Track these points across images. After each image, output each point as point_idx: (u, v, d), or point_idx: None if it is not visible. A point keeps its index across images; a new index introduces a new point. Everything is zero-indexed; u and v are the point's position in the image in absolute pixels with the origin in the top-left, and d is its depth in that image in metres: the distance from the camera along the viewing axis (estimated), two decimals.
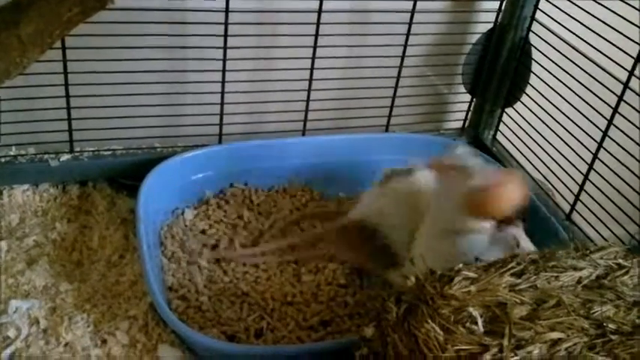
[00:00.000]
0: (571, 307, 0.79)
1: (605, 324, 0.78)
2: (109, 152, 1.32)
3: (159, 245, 1.21)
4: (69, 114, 1.22)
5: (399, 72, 1.43)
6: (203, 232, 1.26)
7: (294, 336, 1.07)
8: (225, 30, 1.23)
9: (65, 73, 1.17)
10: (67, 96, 1.20)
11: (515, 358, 0.72)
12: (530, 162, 1.44)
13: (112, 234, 1.23)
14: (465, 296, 0.79)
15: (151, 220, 1.18)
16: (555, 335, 0.75)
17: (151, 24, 1.19)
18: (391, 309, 0.82)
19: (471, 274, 0.83)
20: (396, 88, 1.45)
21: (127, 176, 1.31)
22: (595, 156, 1.24)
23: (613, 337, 0.76)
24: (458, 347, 0.73)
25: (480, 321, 0.76)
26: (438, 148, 1.45)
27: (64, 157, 1.28)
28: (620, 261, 0.90)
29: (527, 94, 1.45)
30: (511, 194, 1.02)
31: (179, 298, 1.10)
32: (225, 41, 1.24)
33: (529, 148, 1.43)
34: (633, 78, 1.15)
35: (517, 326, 0.75)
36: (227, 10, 1.21)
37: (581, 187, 1.28)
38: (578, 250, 0.92)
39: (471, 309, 0.77)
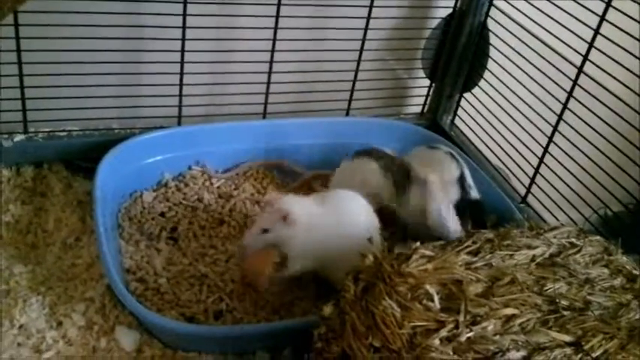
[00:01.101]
0: (525, 284, 0.82)
1: (557, 300, 0.80)
2: (65, 133, 1.29)
3: (116, 227, 1.19)
4: (22, 93, 1.19)
5: (360, 56, 1.43)
6: (162, 214, 1.24)
7: (253, 317, 1.07)
8: (185, 9, 1.21)
9: (18, 50, 1.14)
10: (21, 75, 1.17)
11: (471, 333, 0.73)
12: (487, 146, 1.46)
13: (68, 216, 1.20)
14: (422, 274, 0.81)
15: (108, 203, 1.16)
16: (509, 311, 0.77)
17: (108, 1, 1.17)
18: (349, 287, 0.83)
19: (428, 253, 0.85)
20: (356, 72, 1.46)
21: (84, 158, 1.29)
22: (550, 140, 1.27)
23: (565, 312, 0.79)
24: (414, 323, 0.75)
25: (436, 298, 0.77)
26: (398, 132, 1.47)
27: (18, 138, 1.25)
28: (573, 240, 0.93)
29: (485, 79, 1.47)
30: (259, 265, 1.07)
31: (137, 281, 1.09)
32: (184, 21, 1.22)
33: (486, 132, 1.45)
34: (587, 62, 1.17)
35: (472, 303, 0.77)
36: None
37: (537, 170, 1.30)
38: (533, 230, 0.94)
39: (427, 286, 0.78)
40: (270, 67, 1.36)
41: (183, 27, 1.23)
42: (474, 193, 1.23)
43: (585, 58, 1.17)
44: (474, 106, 1.51)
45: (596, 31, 1.15)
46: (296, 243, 1.06)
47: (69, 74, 1.21)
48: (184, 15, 1.21)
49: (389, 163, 1.23)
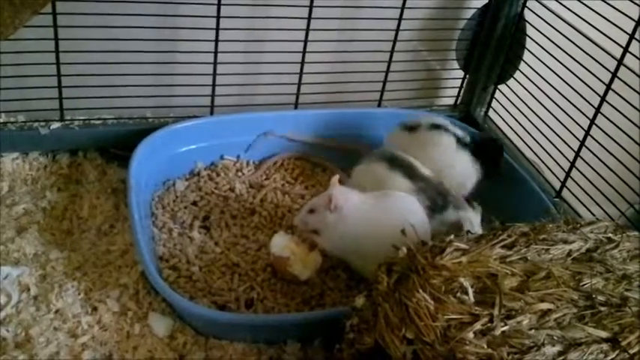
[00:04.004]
0: (561, 279, 0.80)
1: (594, 296, 0.79)
2: (100, 121, 1.31)
3: (150, 215, 1.20)
4: (59, 81, 1.21)
5: (393, 46, 1.42)
6: (194, 203, 1.26)
7: (284, 307, 1.07)
8: None
9: (56, 39, 1.16)
10: (58, 63, 1.18)
11: (505, 327, 0.72)
12: (522, 139, 1.44)
13: (103, 203, 1.22)
14: (456, 267, 0.80)
15: (142, 191, 1.17)
16: (545, 306, 0.76)
17: None
18: (382, 279, 0.82)
19: (462, 246, 0.84)
20: (389, 62, 1.44)
21: (118, 146, 1.30)
22: (587, 133, 1.24)
23: (602, 308, 0.77)
24: (448, 316, 0.74)
25: (470, 291, 0.76)
26: None
27: (55, 126, 1.26)
28: (610, 235, 0.91)
29: (521, 71, 1.45)
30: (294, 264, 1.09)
31: (170, 268, 1.10)
32: (219, 10, 1.22)
33: (521, 125, 1.43)
34: (628, 54, 1.15)
35: (507, 297, 0.76)
36: None
37: (572, 164, 1.28)
38: (569, 224, 0.93)
39: (461, 279, 0.77)
40: (303, 58, 1.36)
41: (217, 17, 1.23)
42: None
43: (626, 49, 1.15)
44: (508, 98, 1.49)
45: (638, 22, 1.12)
46: (332, 230, 1.07)
47: (104, 63, 1.22)
48: (218, 4, 1.22)
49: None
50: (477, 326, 0.73)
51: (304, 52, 1.35)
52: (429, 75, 1.57)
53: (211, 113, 1.36)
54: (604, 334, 0.73)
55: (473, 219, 1.14)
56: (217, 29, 1.25)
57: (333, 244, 1.10)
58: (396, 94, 1.51)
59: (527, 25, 1.42)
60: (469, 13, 1.48)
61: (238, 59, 1.33)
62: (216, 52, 1.28)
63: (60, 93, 1.23)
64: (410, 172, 1.16)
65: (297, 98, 1.42)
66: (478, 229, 1.12)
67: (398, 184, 1.14)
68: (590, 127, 1.24)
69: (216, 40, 1.26)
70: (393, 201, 1.10)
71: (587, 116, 1.25)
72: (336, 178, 1.10)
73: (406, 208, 1.08)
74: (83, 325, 0.98)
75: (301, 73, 1.38)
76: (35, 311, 0.98)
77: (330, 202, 1.06)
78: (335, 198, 1.06)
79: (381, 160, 1.19)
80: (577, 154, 1.27)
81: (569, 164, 1.29)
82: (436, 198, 1.13)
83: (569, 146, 1.30)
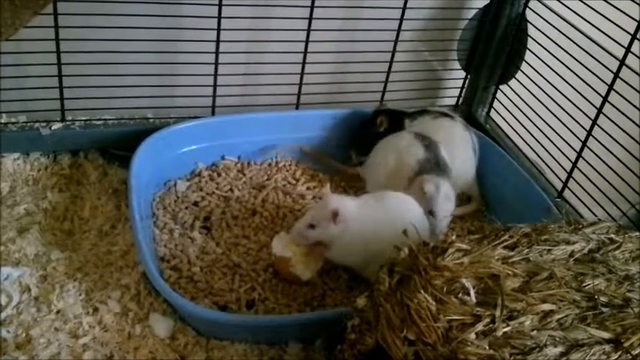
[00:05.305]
0: (563, 279, 0.80)
1: (596, 297, 0.78)
2: (101, 122, 1.31)
3: (151, 216, 1.20)
4: (60, 82, 1.21)
5: (394, 47, 1.42)
6: (195, 203, 1.25)
7: (285, 307, 1.07)
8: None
9: (57, 40, 1.16)
10: (59, 64, 1.19)
11: (507, 328, 0.72)
12: (523, 139, 1.44)
13: (104, 204, 1.22)
14: (458, 268, 0.80)
15: (143, 191, 1.17)
16: (547, 307, 0.76)
17: None
18: (384, 279, 0.82)
19: (464, 246, 0.84)
20: (390, 63, 1.44)
21: (119, 146, 1.30)
22: (589, 133, 1.24)
23: (604, 309, 0.77)
24: (450, 317, 0.73)
25: (472, 292, 0.76)
26: None
27: (56, 126, 1.26)
28: (612, 236, 0.91)
29: (522, 71, 1.45)
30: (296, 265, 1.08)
31: (171, 269, 1.10)
32: (220, 11, 1.22)
33: (522, 126, 1.43)
34: (629, 55, 1.15)
35: (509, 297, 0.76)
36: None
37: (574, 164, 1.28)
38: (571, 225, 0.92)
39: (463, 280, 0.77)
40: (304, 58, 1.36)
41: (219, 17, 1.23)
42: None
43: (628, 50, 1.15)
44: (510, 99, 1.48)
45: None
46: (339, 242, 1.07)
47: (106, 63, 1.22)
48: (220, 5, 1.22)
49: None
50: (479, 327, 0.72)
51: (305, 52, 1.35)
52: (430, 75, 1.57)
53: (212, 114, 1.36)
54: (606, 335, 0.73)
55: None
56: (219, 30, 1.24)
57: (343, 253, 1.09)
58: (397, 95, 1.50)
59: (529, 25, 1.42)
60: (471, 13, 1.48)
61: (240, 60, 1.33)
62: (217, 53, 1.27)
63: (61, 93, 1.23)
64: (429, 146, 1.25)
65: (299, 99, 1.42)
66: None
67: (414, 150, 1.24)
68: (592, 127, 1.24)
69: (218, 41, 1.26)
70: (392, 202, 1.10)
71: (588, 116, 1.25)
72: (327, 187, 1.10)
73: (405, 208, 1.09)
74: (84, 325, 0.98)
75: (302, 73, 1.38)
76: (36, 312, 0.98)
77: (335, 217, 1.04)
78: (341, 212, 1.04)
79: (410, 133, 1.30)
80: (579, 154, 1.27)
81: (570, 165, 1.29)
82: (424, 166, 1.22)
83: (570, 147, 1.30)
